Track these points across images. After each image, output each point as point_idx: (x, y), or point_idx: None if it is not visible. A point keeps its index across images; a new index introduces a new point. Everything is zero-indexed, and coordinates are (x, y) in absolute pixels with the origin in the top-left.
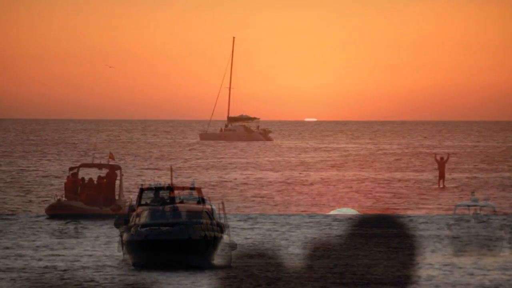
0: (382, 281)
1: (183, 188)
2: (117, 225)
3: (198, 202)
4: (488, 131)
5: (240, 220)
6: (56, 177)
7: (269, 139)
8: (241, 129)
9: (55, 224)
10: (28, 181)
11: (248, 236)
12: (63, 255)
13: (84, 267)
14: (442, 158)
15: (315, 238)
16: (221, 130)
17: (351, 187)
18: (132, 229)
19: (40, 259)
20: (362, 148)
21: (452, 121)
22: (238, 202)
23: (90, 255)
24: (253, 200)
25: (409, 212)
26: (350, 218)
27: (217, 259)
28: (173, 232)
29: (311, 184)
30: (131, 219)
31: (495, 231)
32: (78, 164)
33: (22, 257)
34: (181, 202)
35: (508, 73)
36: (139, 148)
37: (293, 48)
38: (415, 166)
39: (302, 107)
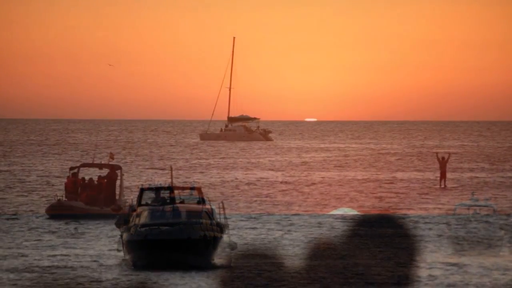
0: (383, 281)
1: (183, 188)
2: (118, 225)
3: (198, 202)
4: (489, 131)
5: (240, 220)
6: (57, 177)
7: (269, 139)
8: (241, 129)
9: (56, 224)
10: (28, 181)
11: (248, 236)
12: (63, 255)
13: (84, 267)
14: (443, 158)
15: (315, 238)
16: (221, 130)
17: (352, 187)
18: (132, 229)
19: (40, 259)
20: (362, 148)
21: (453, 121)
22: (238, 202)
23: (90, 255)
24: (253, 200)
25: (410, 212)
26: (350, 218)
27: (217, 259)
28: (172, 231)
29: (311, 184)
30: (131, 219)
31: (495, 231)
32: (79, 164)
33: (22, 257)
34: (182, 202)
35: (508, 73)
36: (140, 148)
37: (293, 48)
38: (416, 165)
39: (302, 107)
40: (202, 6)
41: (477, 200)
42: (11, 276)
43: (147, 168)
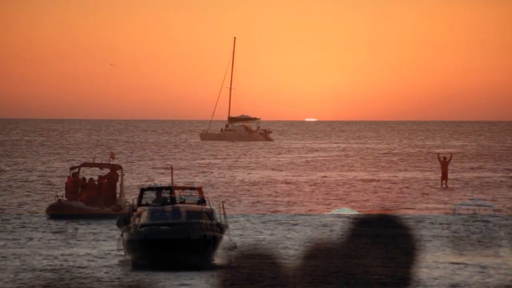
0: (383, 282)
1: (183, 188)
2: (119, 225)
3: (199, 202)
4: (490, 131)
5: (240, 220)
6: (57, 176)
7: (269, 139)
8: (242, 129)
9: (56, 224)
10: (29, 181)
11: (249, 236)
12: (63, 255)
13: (84, 267)
14: (445, 158)
15: (316, 238)
16: (221, 130)
17: (352, 187)
18: (132, 228)
19: (40, 259)
20: (363, 147)
21: (453, 121)
22: (238, 202)
23: (90, 255)
24: (253, 200)
25: (411, 212)
26: (350, 218)
27: (217, 259)
28: (172, 231)
29: (312, 184)
30: (131, 219)
31: (495, 231)
32: (79, 163)
33: (22, 257)
34: (182, 202)
35: (508, 73)
36: (140, 148)
37: (294, 49)
38: (417, 166)
39: (302, 107)
40: (202, 6)
41: (477, 200)
42: (11, 276)
43: (148, 168)
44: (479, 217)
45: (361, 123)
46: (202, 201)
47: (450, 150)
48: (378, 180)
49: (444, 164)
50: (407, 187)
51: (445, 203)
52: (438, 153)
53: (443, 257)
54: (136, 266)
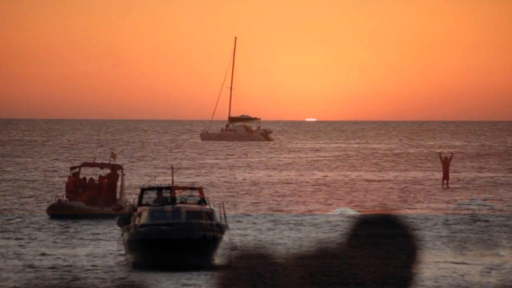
0: (383, 282)
1: (184, 188)
2: (120, 224)
3: (199, 202)
4: (491, 131)
5: (240, 220)
6: (57, 176)
7: (269, 140)
8: (242, 129)
9: (56, 224)
10: (29, 181)
11: (249, 237)
12: (63, 255)
13: (84, 267)
14: (446, 158)
15: (316, 238)
16: (221, 130)
17: (352, 187)
18: (132, 228)
19: (40, 259)
20: (363, 147)
21: (454, 121)
22: (239, 202)
23: (91, 255)
24: (254, 200)
25: (411, 212)
26: (350, 218)
27: (217, 259)
28: (172, 231)
29: (312, 184)
30: (131, 219)
31: (495, 231)
32: (79, 163)
33: (22, 257)
34: (182, 202)
35: (509, 73)
36: (140, 148)
37: (294, 49)
38: (418, 165)
39: (302, 107)
40: (203, 6)
41: (477, 200)
42: (11, 275)
43: (148, 168)
44: (479, 217)
45: (361, 123)
46: (202, 201)
47: (451, 150)
48: (379, 180)
49: (445, 164)
50: (408, 187)
51: (446, 203)
52: (440, 153)
53: (443, 257)
54: (136, 266)
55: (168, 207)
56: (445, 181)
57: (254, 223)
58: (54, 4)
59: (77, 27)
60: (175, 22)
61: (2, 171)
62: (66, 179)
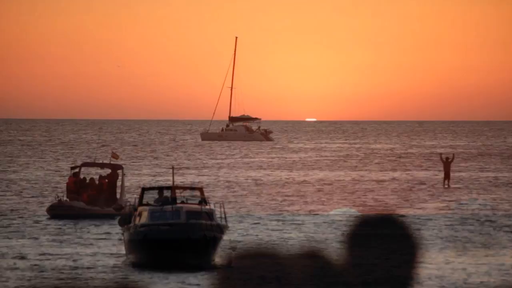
0: (383, 282)
1: (184, 188)
2: (120, 224)
3: (200, 202)
4: (491, 131)
5: (240, 220)
6: (58, 176)
7: (269, 140)
8: (242, 129)
9: (56, 224)
10: (29, 181)
11: (249, 236)
12: (63, 255)
13: (84, 267)
14: (447, 158)
15: (316, 238)
16: (222, 130)
17: (353, 187)
18: (132, 228)
19: (40, 259)
20: (363, 147)
21: (454, 121)
22: (239, 202)
23: (91, 255)
24: (254, 200)
25: (412, 212)
26: (351, 218)
27: (217, 259)
28: (172, 231)
29: (312, 183)
30: (132, 219)
31: (495, 231)
32: (80, 163)
33: (22, 257)
34: (182, 202)
35: (508, 73)
36: (141, 148)
37: (295, 49)
38: (419, 165)
39: (302, 107)
40: (204, 6)
41: (477, 200)
42: (12, 275)
43: (149, 168)
44: (480, 217)
45: (362, 123)
46: (203, 201)
47: (452, 150)
48: (379, 180)
49: (447, 164)
50: (408, 187)
51: (446, 203)
52: (441, 153)
53: (444, 257)
54: (136, 265)
55: (168, 207)
56: (446, 181)
57: (254, 223)
58: (55, 4)
59: (77, 27)
60: (176, 22)
61: (3, 171)
62: (66, 179)
